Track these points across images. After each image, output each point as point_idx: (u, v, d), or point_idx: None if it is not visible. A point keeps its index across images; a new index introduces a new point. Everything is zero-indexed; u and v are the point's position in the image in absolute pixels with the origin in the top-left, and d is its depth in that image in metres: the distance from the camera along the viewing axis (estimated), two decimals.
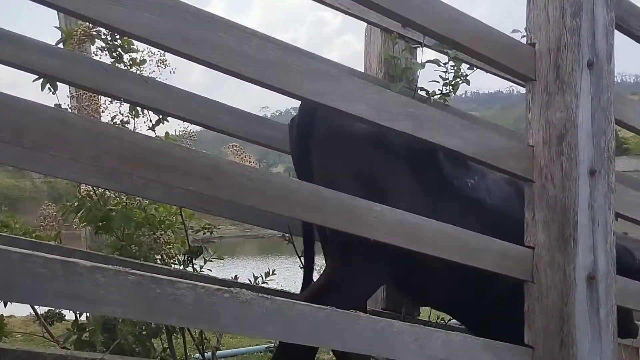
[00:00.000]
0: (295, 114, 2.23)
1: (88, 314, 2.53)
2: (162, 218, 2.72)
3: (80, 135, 1.27)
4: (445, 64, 2.95)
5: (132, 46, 2.44)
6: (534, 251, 1.98)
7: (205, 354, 2.77)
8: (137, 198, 2.68)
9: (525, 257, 1.98)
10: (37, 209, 2.85)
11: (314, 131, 2.14)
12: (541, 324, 1.95)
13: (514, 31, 2.34)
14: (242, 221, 2.70)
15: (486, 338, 1.92)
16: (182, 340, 2.67)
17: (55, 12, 2.82)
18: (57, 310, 2.57)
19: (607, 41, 2.04)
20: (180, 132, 2.52)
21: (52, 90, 2.41)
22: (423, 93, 3.03)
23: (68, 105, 2.68)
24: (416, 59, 3.13)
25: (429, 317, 3.02)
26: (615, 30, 2.12)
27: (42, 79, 2.36)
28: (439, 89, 3.05)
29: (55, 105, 2.46)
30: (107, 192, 2.65)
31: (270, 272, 2.77)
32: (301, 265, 2.82)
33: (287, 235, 2.70)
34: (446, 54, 2.93)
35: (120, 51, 2.43)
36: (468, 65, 3.08)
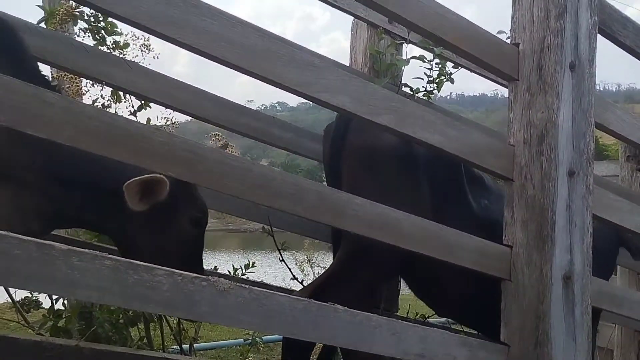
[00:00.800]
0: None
1: (65, 301, 2.50)
2: None
3: (59, 115, 1.25)
4: (430, 61, 2.96)
5: (115, 29, 2.40)
6: (512, 250, 2.00)
7: (183, 345, 2.75)
8: None
9: (504, 255, 2.00)
10: None
11: (346, 142, 2.19)
12: (517, 322, 1.97)
13: (499, 32, 2.35)
14: (222, 211, 2.67)
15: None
16: (160, 330, 2.65)
17: None
18: (34, 298, 2.53)
19: (589, 44, 2.06)
20: (163, 120, 2.48)
21: None
22: (407, 90, 3.04)
23: None
24: (401, 56, 3.13)
25: (407, 313, 3.03)
26: (598, 35, 2.14)
27: None
28: (423, 86, 3.06)
29: None
30: None
31: (250, 265, 2.75)
32: (280, 259, 2.82)
33: (267, 227, 2.69)
34: (431, 51, 2.94)
35: (104, 33, 2.38)
36: (453, 64, 3.10)
